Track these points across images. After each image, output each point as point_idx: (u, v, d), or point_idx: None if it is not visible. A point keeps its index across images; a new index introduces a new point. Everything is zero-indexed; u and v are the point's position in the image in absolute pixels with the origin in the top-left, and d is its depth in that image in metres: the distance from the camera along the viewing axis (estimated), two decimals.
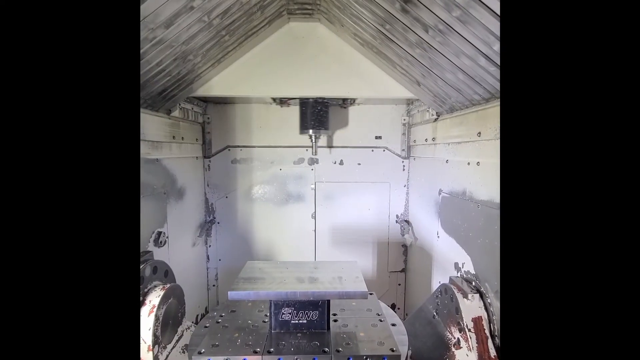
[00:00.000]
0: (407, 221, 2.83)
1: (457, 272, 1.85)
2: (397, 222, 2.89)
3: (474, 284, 1.61)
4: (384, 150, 2.84)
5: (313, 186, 2.84)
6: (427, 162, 2.41)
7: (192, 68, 1.86)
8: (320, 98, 2.43)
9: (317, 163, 2.83)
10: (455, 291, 1.53)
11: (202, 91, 2.17)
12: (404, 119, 2.80)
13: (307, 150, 2.82)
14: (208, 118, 2.74)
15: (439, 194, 2.14)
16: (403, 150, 2.83)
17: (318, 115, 2.47)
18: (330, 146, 2.84)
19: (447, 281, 1.70)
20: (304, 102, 2.51)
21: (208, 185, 2.81)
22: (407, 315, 2.94)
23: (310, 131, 2.51)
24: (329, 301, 1.35)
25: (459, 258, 1.82)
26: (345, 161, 2.83)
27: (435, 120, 2.18)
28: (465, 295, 1.50)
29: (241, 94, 2.23)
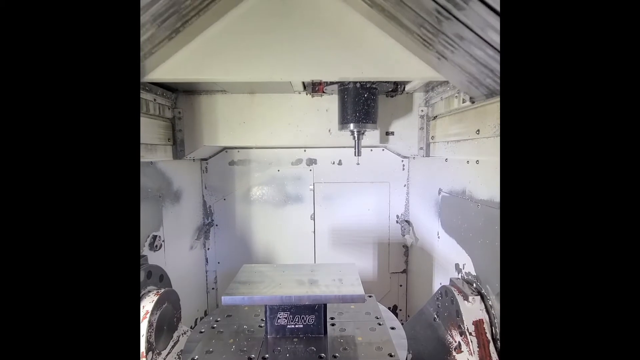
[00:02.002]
0: (407, 221, 2.79)
1: (458, 274, 1.81)
2: (397, 222, 2.85)
3: (474, 285, 1.57)
4: (383, 150, 2.80)
5: (312, 187, 2.81)
6: (426, 161, 2.37)
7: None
8: (366, 82, 1.86)
9: (315, 164, 2.79)
10: (456, 293, 1.50)
11: (158, 74, 1.58)
12: (422, 110, 2.24)
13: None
14: (179, 112, 2.19)
15: (439, 193, 2.10)
16: (421, 148, 2.28)
17: (363, 105, 1.90)
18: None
19: (448, 283, 1.66)
20: (343, 89, 1.92)
21: (205, 187, 2.78)
22: (409, 317, 2.91)
23: (352, 125, 1.95)
24: (325, 305, 1.32)
25: (460, 259, 1.78)
26: (343, 161, 2.79)
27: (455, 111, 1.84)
28: (466, 298, 1.46)
29: (209, 77, 1.61)
